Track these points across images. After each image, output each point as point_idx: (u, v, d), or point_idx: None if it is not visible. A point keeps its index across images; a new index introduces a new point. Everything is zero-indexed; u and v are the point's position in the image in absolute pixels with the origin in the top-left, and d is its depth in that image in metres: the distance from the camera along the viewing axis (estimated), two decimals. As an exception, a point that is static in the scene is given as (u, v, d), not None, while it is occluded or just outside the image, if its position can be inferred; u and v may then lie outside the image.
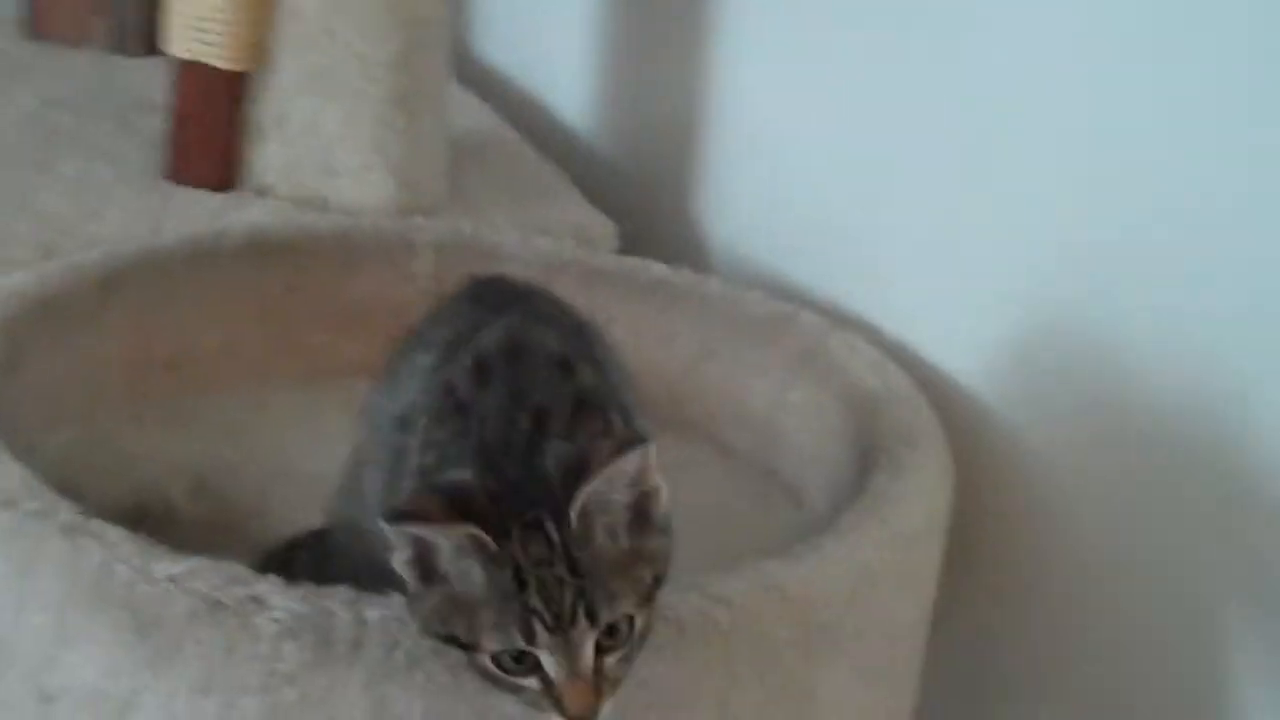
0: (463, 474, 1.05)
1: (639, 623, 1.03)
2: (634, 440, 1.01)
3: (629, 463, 1.01)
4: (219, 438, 1.60)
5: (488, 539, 0.99)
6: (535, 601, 0.99)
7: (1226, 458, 1.18)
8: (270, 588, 1.09)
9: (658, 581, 1.04)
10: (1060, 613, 1.37)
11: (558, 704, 1.01)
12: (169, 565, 1.11)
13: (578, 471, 1.01)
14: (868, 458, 1.32)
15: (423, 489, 1.06)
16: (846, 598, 1.16)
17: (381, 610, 1.07)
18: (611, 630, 1.01)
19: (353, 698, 1.07)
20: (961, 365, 1.44)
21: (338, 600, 1.08)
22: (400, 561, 1.02)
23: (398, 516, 1.00)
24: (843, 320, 1.51)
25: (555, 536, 1.00)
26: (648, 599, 1.03)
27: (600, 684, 1.01)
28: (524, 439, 1.07)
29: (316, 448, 1.41)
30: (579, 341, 1.14)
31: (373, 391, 1.24)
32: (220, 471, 1.50)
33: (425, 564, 1.02)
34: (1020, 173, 1.36)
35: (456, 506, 1.00)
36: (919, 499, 1.26)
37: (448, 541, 1.00)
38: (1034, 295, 1.36)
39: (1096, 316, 1.30)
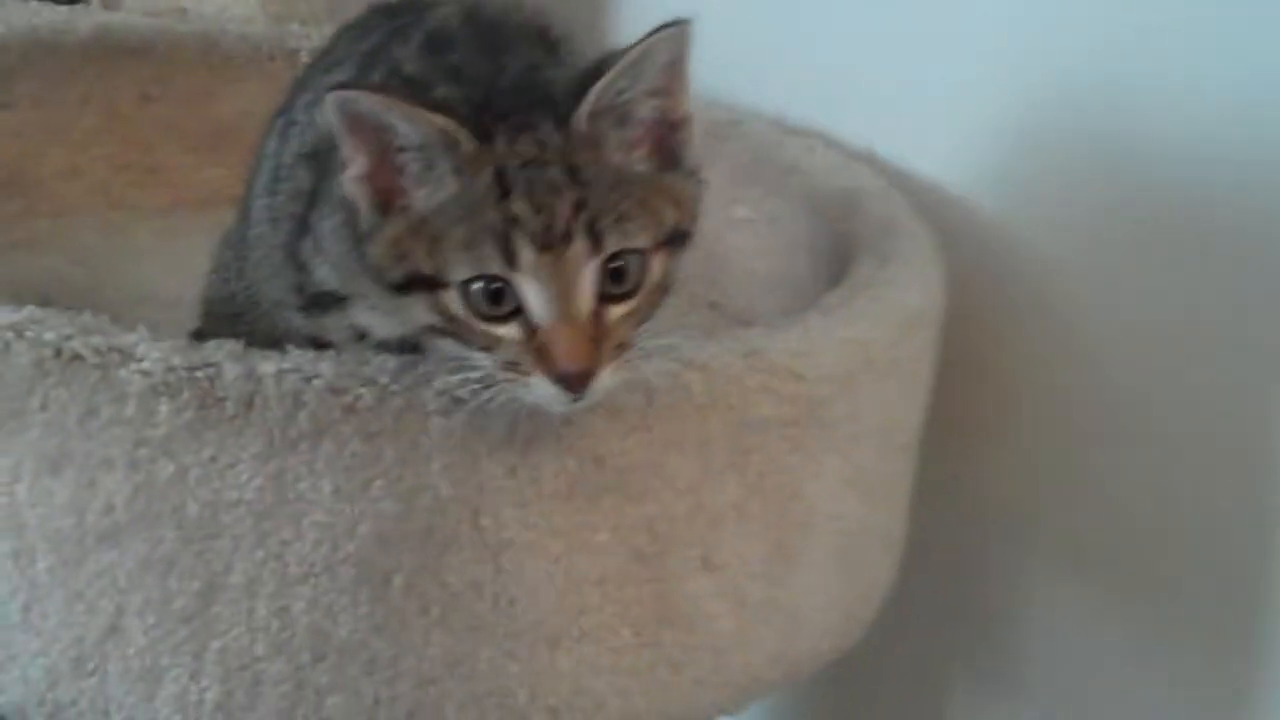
0: (432, 73, 0.84)
1: (654, 269, 0.82)
2: (669, 26, 0.80)
3: (663, 45, 0.80)
4: (67, 262, 1.37)
5: (463, 132, 0.79)
6: (520, 207, 0.78)
7: (1228, 236, 1.08)
8: (138, 337, 0.86)
9: (681, 233, 0.84)
10: (1059, 422, 1.26)
11: (543, 357, 0.80)
12: (8, 313, 0.87)
13: (592, 72, 0.81)
14: (842, 260, 1.14)
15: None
16: (839, 378, 0.98)
17: (281, 364, 0.85)
18: (618, 272, 0.80)
19: (243, 472, 0.85)
20: (938, 166, 1.29)
21: (223, 352, 0.85)
22: (351, 179, 0.82)
23: (359, 97, 0.79)
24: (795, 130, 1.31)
25: (554, 136, 0.80)
26: (667, 243, 0.83)
27: (600, 337, 0.80)
28: (520, 62, 0.86)
29: (179, 274, 1.21)
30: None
31: (262, 143, 1.02)
32: (70, 295, 1.25)
33: (382, 183, 0.82)
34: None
35: (428, 104, 0.80)
36: (911, 282, 1.09)
37: (415, 136, 0.79)
38: (1014, 81, 1.23)
39: (1083, 97, 1.19)
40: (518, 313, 0.80)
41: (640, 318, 0.83)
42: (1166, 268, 1.15)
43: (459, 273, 0.79)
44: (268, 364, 0.86)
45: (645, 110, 0.82)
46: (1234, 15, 1.06)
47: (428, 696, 0.91)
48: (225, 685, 0.90)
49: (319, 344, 0.91)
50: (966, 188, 1.26)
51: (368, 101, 0.79)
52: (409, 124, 0.79)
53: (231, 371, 0.86)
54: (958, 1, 1.26)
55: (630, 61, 0.79)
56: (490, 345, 0.81)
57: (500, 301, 0.80)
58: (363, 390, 0.86)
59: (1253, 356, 1.10)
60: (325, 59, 1.00)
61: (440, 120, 0.78)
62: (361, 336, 0.92)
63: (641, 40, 0.80)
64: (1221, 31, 1.07)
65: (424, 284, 0.81)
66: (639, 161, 0.83)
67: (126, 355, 0.87)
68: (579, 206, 0.78)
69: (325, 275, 0.92)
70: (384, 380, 0.86)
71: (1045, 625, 1.31)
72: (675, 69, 0.81)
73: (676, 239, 0.83)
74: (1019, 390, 1.26)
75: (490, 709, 0.92)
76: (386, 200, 0.82)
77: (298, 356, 0.87)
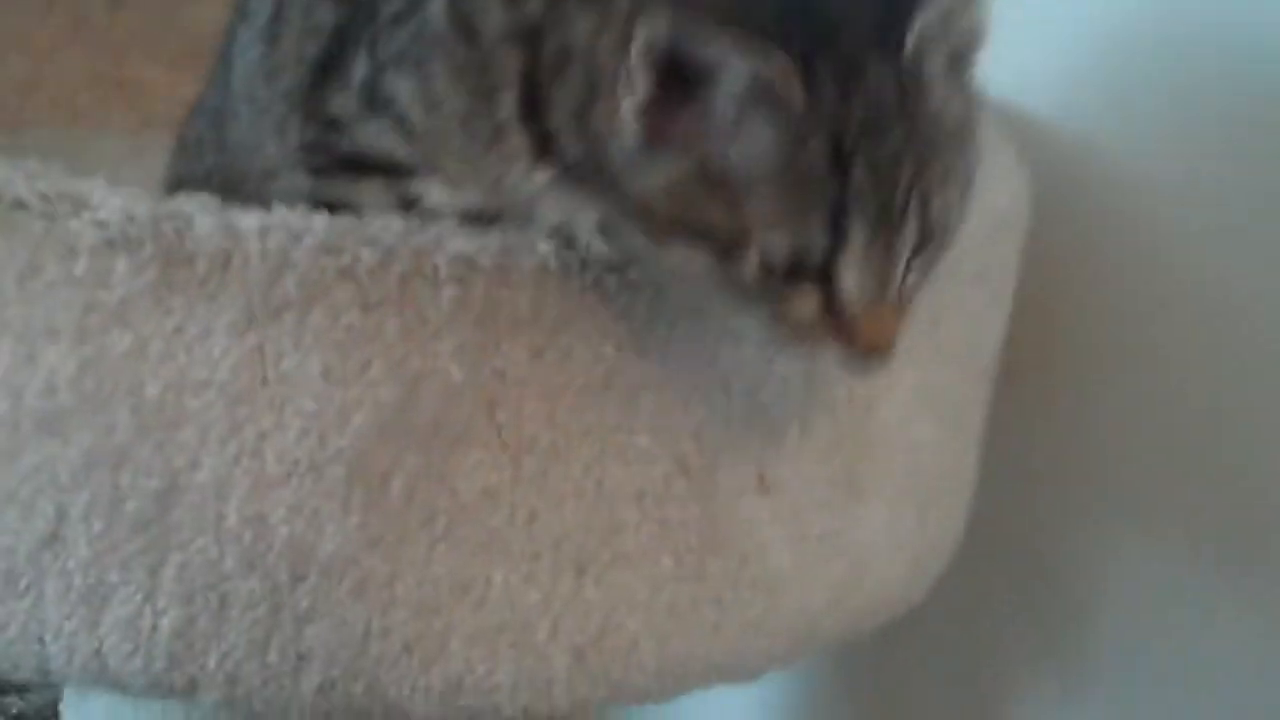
0: None
1: (956, 231, 0.71)
2: None
3: None
4: (22, 182, 1.21)
5: (796, 79, 0.65)
6: (861, 183, 0.66)
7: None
8: (94, 184, 0.71)
9: (974, 170, 0.73)
10: (1143, 370, 1.13)
11: (843, 333, 0.70)
12: (-64, 153, 0.73)
13: None
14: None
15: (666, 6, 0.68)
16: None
17: (265, 219, 0.70)
18: (927, 237, 0.69)
19: (214, 346, 0.70)
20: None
21: (195, 203, 0.71)
22: (631, 107, 0.68)
23: (677, 26, 0.65)
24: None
25: (888, 81, 0.67)
26: (969, 191, 0.72)
27: (905, 308, 0.71)
28: None
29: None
30: None
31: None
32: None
33: (668, 116, 0.68)
34: None
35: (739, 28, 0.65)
36: (999, 185, 0.94)
37: (738, 81, 0.66)
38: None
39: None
40: (820, 281, 0.68)
41: (931, 275, 0.72)
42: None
43: (773, 245, 0.67)
44: (248, 219, 0.72)
45: (964, 24, 0.70)
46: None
47: (429, 628, 0.78)
48: (186, 608, 0.76)
49: (332, 210, 0.75)
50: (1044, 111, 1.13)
51: (701, 39, 0.66)
52: (738, 65, 0.66)
53: (205, 225, 0.72)
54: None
55: None
56: (775, 308, 0.70)
57: (803, 270, 0.68)
58: (363, 250, 0.72)
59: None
60: None
61: (774, 59, 0.65)
62: (410, 205, 0.78)
63: None
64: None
65: (709, 239, 0.68)
66: (951, 88, 0.70)
67: (79, 203, 0.73)
68: (916, 176, 0.67)
69: (378, 138, 0.80)
70: (389, 240, 0.72)
71: (1128, 606, 1.18)
72: None
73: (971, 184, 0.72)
74: (1099, 335, 1.13)
75: (503, 646, 0.78)
76: (659, 129, 0.68)
77: (285, 213, 0.72)
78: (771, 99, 0.66)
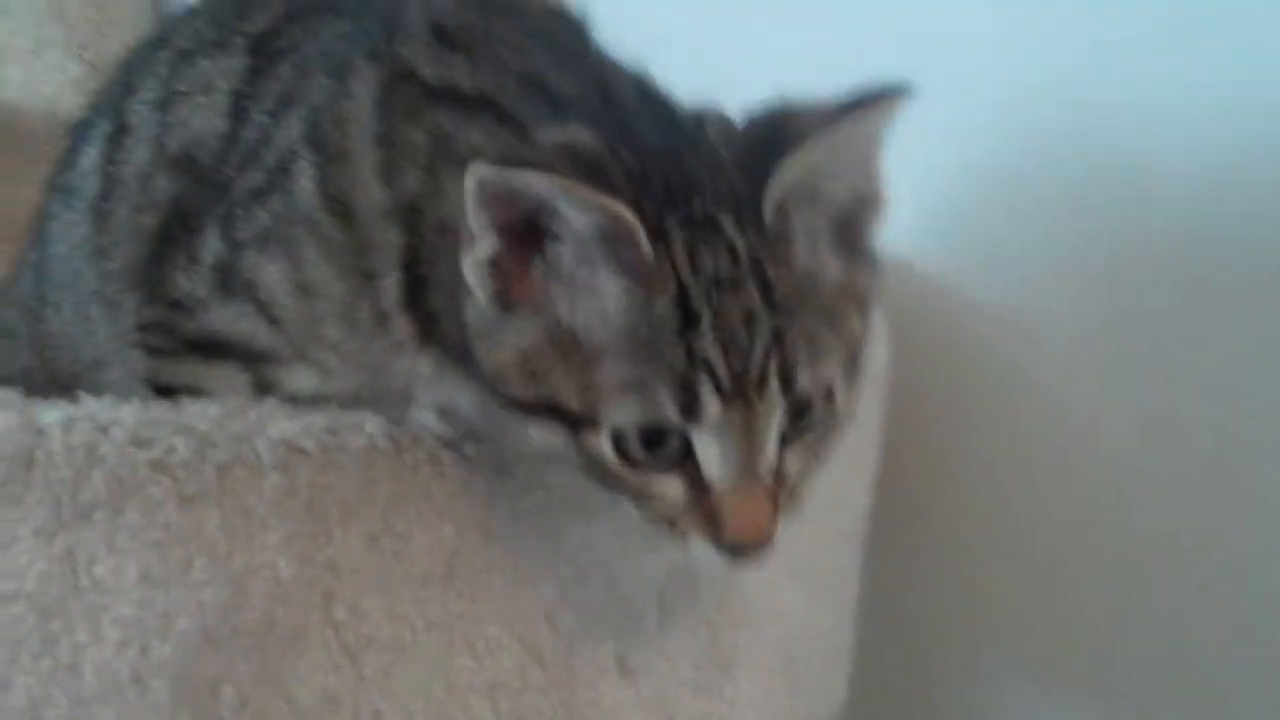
0: (564, 132, 0.67)
1: (840, 403, 0.67)
2: (880, 93, 0.65)
3: (876, 118, 0.65)
4: None
5: (640, 230, 0.62)
6: (709, 348, 0.63)
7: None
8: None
9: (861, 341, 0.69)
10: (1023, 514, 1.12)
11: (708, 518, 0.65)
12: None
13: (774, 138, 0.65)
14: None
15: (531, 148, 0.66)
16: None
17: (69, 410, 0.66)
18: (801, 410, 0.65)
19: (20, 555, 0.65)
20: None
21: (-3, 400, 0.67)
22: (474, 263, 0.65)
23: (520, 174, 0.62)
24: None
25: (741, 239, 0.64)
26: (853, 364, 0.68)
27: (779, 495, 0.65)
28: (632, 94, 0.71)
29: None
30: None
31: (64, 166, 0.84)
32: None
33: (518, 274, 0.65)
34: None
35: (587, 172, 0.63)
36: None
37: (581, 226, 0.63)
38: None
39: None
40: (681, 462, 0.65)
41: (819, 458, 0.68)
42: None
43: (620, 418, 0.64)
44: (51, 413, 0.67)
45: (841, 191, 0.67)
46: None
47: None
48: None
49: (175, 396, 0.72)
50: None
51: (534, 179, 0.62)
52: (579, 211, 0.62)
53: (3, 422, 0.66)
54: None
55: (838, 137, 0.65)
56: (640, 495, 0.65)
57: (662, 448, 0.65)
58: (176, 440, 0.67)
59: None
60: (172, 40, 0.83)
61: (611, 204, 0.62)
62: (268, 389, 0.74)
63: (847, 108, 0.65)
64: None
65: (563, 417, 0.65)
66: (825, 254, 0.68)
67: None
68: (774, 341, 0.64)
69: (236, 323, 0.76)
70: (204, 427, 0.67)
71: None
72: (879, 142, 0.66)
73: (860, 354, 0.69)
74: (969, 483, 1.11)
75: None
76: (507, 291, 0.65)
77: (91, 403, 0.67)
78: (616, 251, 0.63)
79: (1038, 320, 1.09)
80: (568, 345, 0.65)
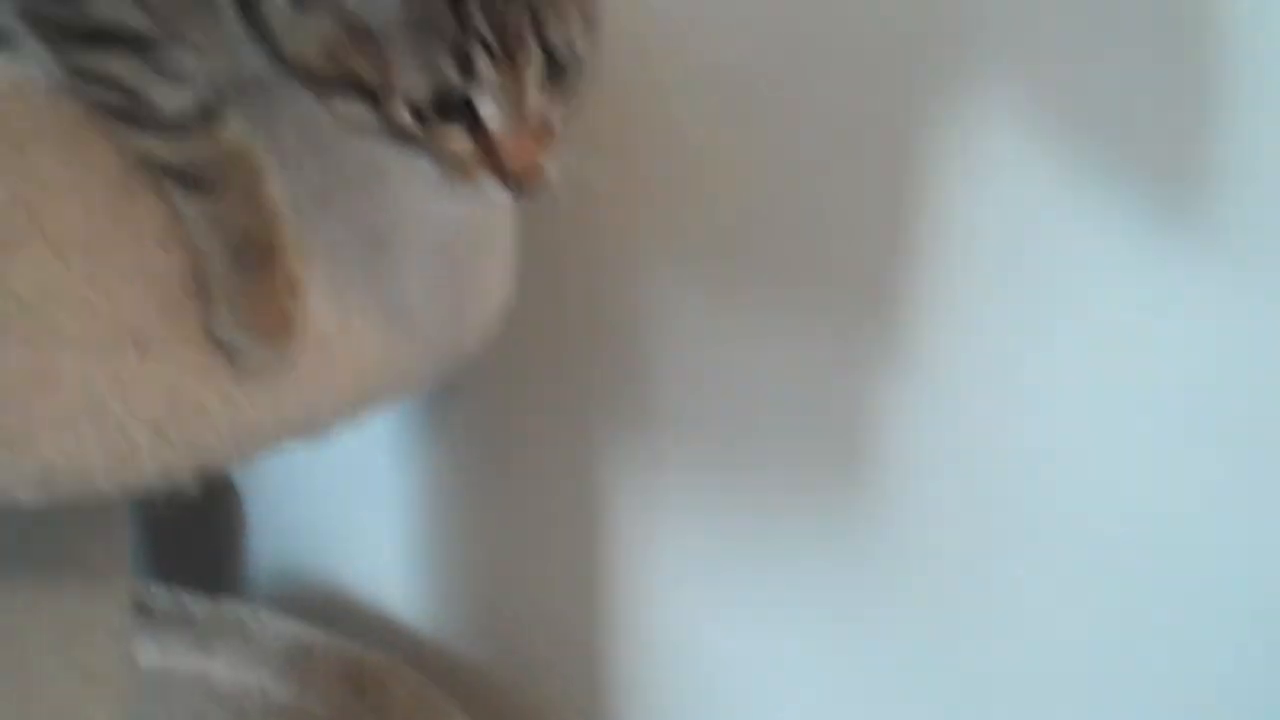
0: None
1: (582, 54, 0.85)
2: None
3: None
4: None
5: None
6: (478, 20, 0.79)
7: None
8: None
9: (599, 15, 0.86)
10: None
11: (493, 161, 0.83)
12: None
13: None
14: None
15: None
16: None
17: None
18: (555, 67, 0.83)
19: None
20: None
21: None
22: None
23: None
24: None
25: None
26: (590, 22, 0.85)
27: (543, 134, 0.84)
28: None
29: None
30: None
31: None
32: None
33: None
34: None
35: None
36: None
37: None
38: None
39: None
40: (466, 115, 0.81)
41: (570, 106, 0.85)
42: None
43: (411, 88, 0.80)
44: None
45: None
46: None
47: (15, 421, 0.90)
48: None
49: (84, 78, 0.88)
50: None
51: None
52: None
53: None
54: None
55: None
56: (436, 153, 0.82)
57: (446, 112, 0.81)
58: None
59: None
60: None
61: None
62: (161, 71, 0.88)
63: None
64: None
65: (363, 91, 0.81)
66: None
67: None
68: (529, 10, 0.80)
69: (111, 8, 0.87)
70: None
71: (677, 346, 1.39)
72: None
73: (597, 18, 0.85)
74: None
75: (85, 428, 0.91)
76: None
77: None
78: None
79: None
80: (360, 33, 0.80)
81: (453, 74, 0.81)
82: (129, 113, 0.88)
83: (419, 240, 1.02)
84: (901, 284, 1.21)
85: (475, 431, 1.61)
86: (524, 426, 1.55)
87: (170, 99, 0.88)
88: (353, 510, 1.77)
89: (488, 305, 1.16)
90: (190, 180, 0.89)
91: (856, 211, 1.22)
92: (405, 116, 0.82)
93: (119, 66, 0.87)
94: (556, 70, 0.84)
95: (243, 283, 0.92)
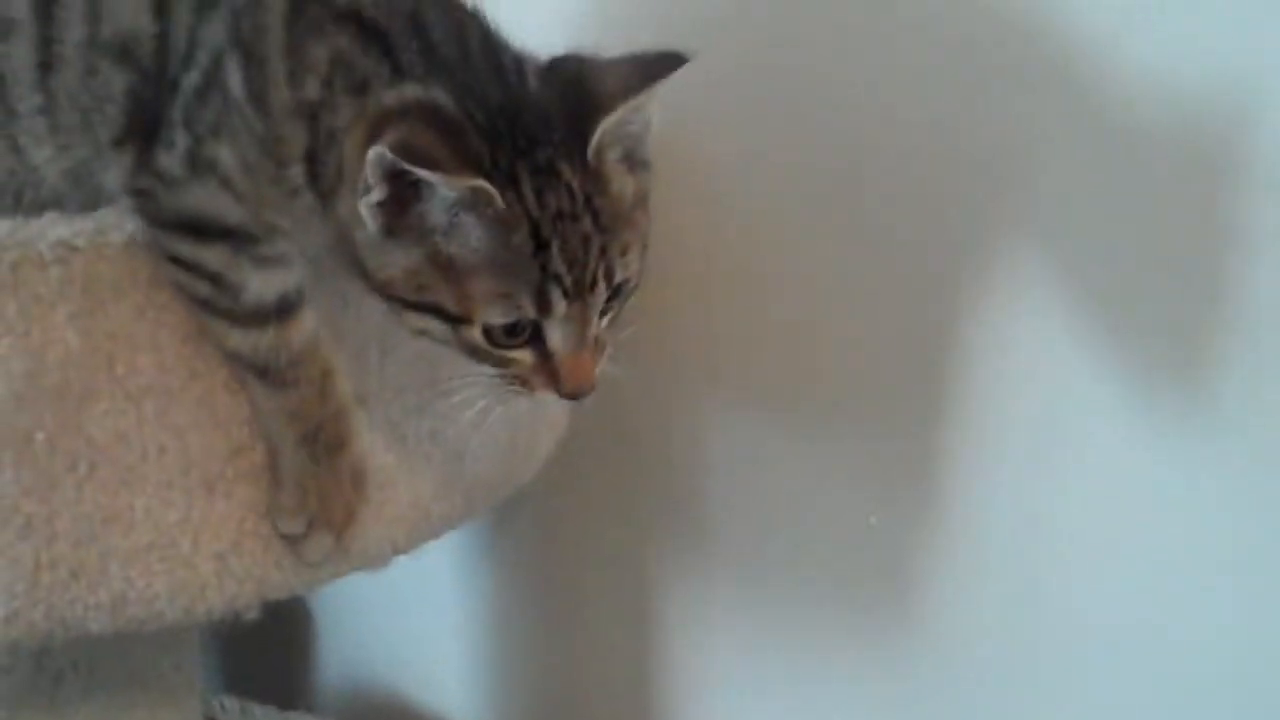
0: (427, 90, 0.88)
1: (634, 280, 0.92)
2: (666, 58, 0.89)
3: (664, 77, 0.89)
4: None
5: (496, 195, 0.85)
6: (558, 266, 0.87)
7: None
8: None
9: (649, 229, 0.94)
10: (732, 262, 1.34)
11: (553, 379, 0.91)
12: None
13: (587, 94, 0.89)
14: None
15: (405, 115, 0.87)
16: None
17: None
18: (616, 292, 0.91)
19: None
20: None
21: None
22: (366, 204, 0.86)
23: (397, 150, 0.83)
24: None
25: (575, 182, 0.87)
26: (645, 248, 0.93)
27: (599, 352, 0.92)
28: (478, 46, 0.92)
29: None
30: None
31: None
32: None
33: (400, 212, 0.87)
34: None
35: (454, 146, 0.85)
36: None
37: (448, 193, 0.85)
38: None
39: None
40: (535, 339, 0.90)
41: (621, 320, 0.93)
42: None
43: (491, 318, 0.88)
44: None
45: (634, 128, 0.91)
46: None
47: (89, 555, 0.96)
48: None
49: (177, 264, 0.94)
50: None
51: (418, 166, 0.83)
52: (445, 186, 0.84)
53: None
54: None
55: (642, 98, 0.88)
56: (500, 364, 0.90)
57: (517, 334, 0.89)
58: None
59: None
60: None
61: (475, 183, 0.84)
62: (259, 264, 0.95)
63: (647, 69, 0.89)
64: None
65: (441, 314, 0.88)
66: (624, 176, 0.91)
67: None
68: (602, 253, 0.88)
69: (210, 200, 0.94)
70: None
71: (727, 471, 1.43)
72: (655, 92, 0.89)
73: (647, 241, 0.93)
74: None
75: (154, 562, 0.98)
76: (394, 223, 0.87)
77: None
78: (477, 206, 0.86)
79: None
80: (445, 267, 0.88)
81: (530, 311, 0.88)
82: (211, 302, 0.94)
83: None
84: (945, 441, 1.27)
85: (534, 549, 1.66)
86: (580, 545, 1.60)
87: (268, 285, 0.94)
88: (418, 626, 1.82)
89: (542, 441, 1.21)
90: (264, 373, 0.95)
91: (907, 364, 1.29)
92: (479, 338, 0.89)
93: (213, 259, 0.94)
94: (615, 298, 0.91)
95: (311, 473, 0.98)
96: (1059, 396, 1.20)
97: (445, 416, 1.08)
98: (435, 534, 1.12)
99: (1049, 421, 1.21)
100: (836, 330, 1.34)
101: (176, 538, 0.98)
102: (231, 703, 1.74)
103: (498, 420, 1.07)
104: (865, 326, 1.32)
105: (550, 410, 1.22)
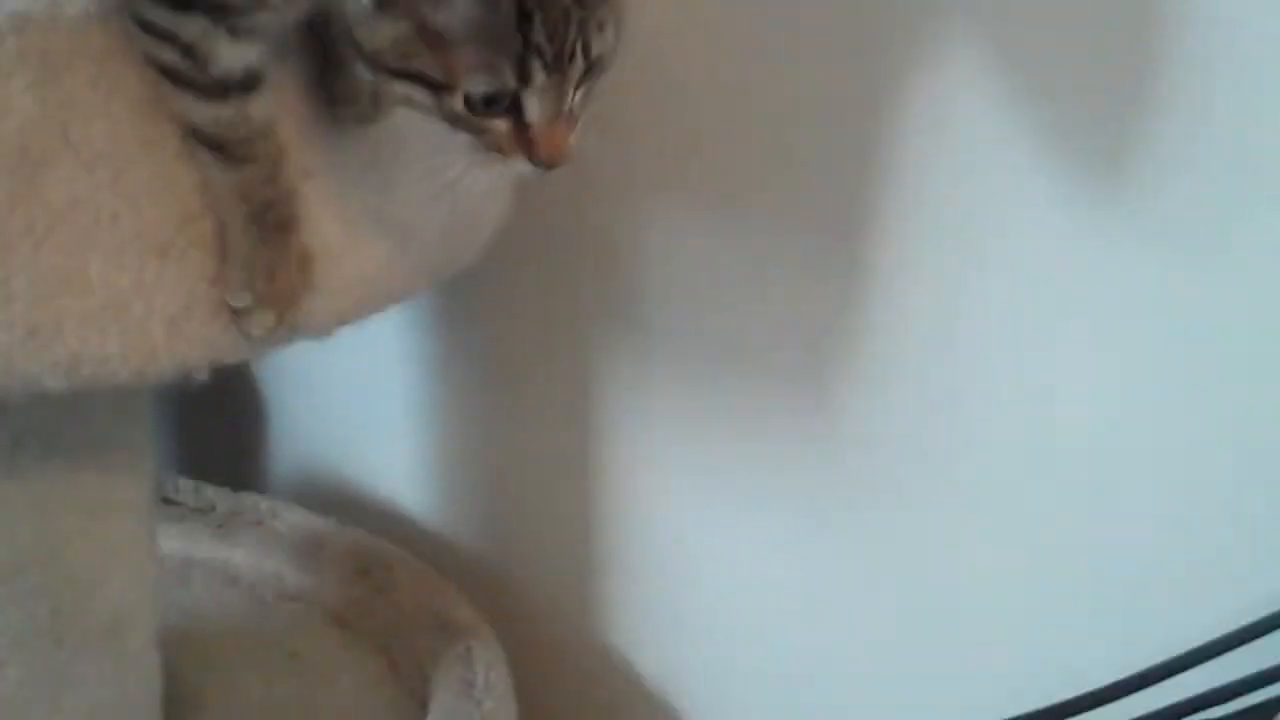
0: None
1: (608, 56, 0.96)
2: None
3: None
4: None
5: None
6: (539, 37, 0.91)
7: None
8: None
9: (624, 6, 0.97)
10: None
11: (527, 146, 0.95)
12: None
13: None
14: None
15: None
16: None
17: None
18: (590, 68, 0.94)
19: None
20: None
21: None
22: None
23: None
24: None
25: None
26: (620, 25, 0.96)
27: (573, 123, 0.96)
28: None
29: None
30: None
31: None
32: None
33: None
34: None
35: None
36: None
37: None
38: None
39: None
40: (513, 109, 0.93)
41: (595, 95, 0.96)
42: None
43: (473, 87, 0.92)
44: None
45: None
46: None
47: (46, 315, 1.00)
48: None
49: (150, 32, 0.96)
50: None
51: None
52: None
53: None
54: None
55: None
56: (478, 131, 0.94)
57: (496, 104, 0.93)
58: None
59: None
60: None
61: None
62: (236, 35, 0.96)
63: None
64: None
65: (425, 82, 0.92)
66: None
67: None
68: (580, 26, 0.91)
69: None
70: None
71: (666, 267, 1.49)
72: None
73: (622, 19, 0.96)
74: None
75: (108, 324, 1.01)
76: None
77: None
78: None
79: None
80: (431, 37, 0.92)
81: (511, 80, 0.92)
82: (177, 70, 0.96)
83: (417, 160, 1.12)
84: (871, 239, 1.32)
85: (479, 341, 1.72)
86: (526, 336, 1.65)
87: (237, 58, 0.97)
88: (367, 412, 1.88)
89: (486, 220, 1.25)
90: (220, 147, 0.99)
91: (839, 168, 1.34)
92: (460, 106, 0.93)
93: (190, 28, 0.96)
94: (590, 72, 0.95)
95: (258, 251, 1.02)
96: (987, 194, 1.24)
97: (392, 190, 1.11)
98: (379, 307, 1.16)
99: (975, 218, 1.26)
100: (776, 136, 1.39)
101: (129, 300, 1.02)
102: (186, 483, 1.80)
103: (444, 198, 1.13)
104: (803, 134, 1.36)
105: (495, 192, 1.26)
